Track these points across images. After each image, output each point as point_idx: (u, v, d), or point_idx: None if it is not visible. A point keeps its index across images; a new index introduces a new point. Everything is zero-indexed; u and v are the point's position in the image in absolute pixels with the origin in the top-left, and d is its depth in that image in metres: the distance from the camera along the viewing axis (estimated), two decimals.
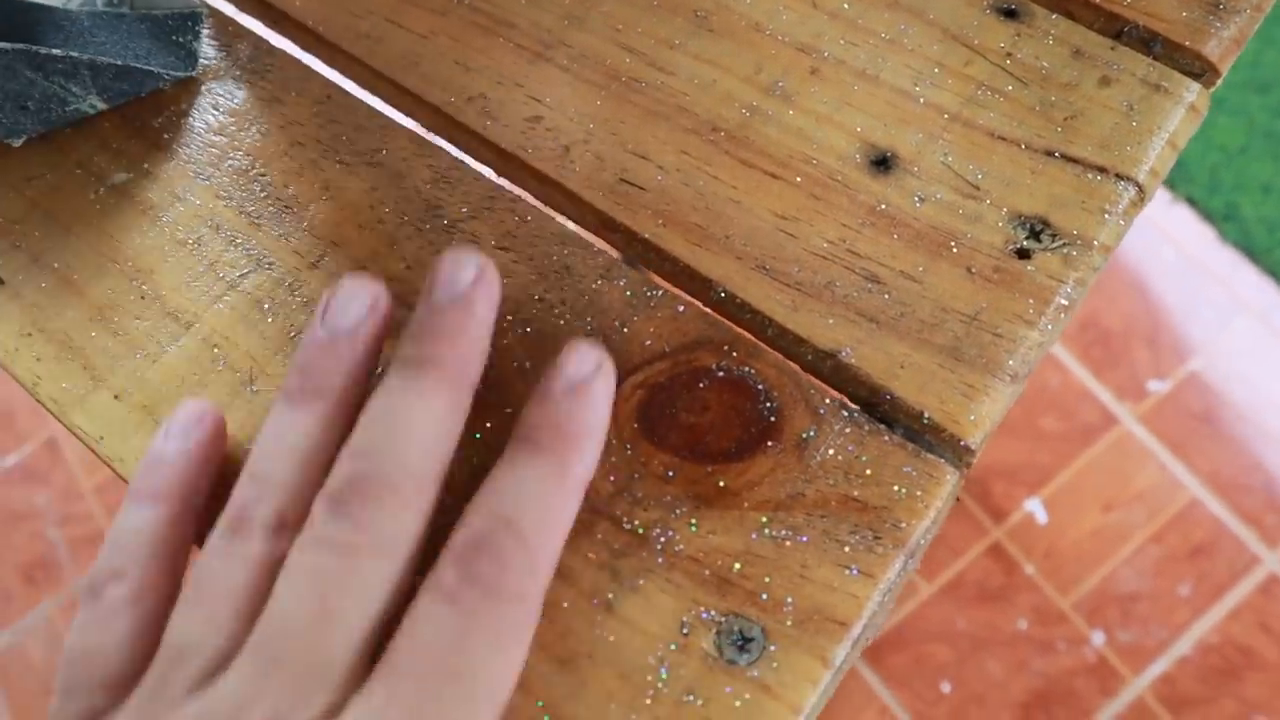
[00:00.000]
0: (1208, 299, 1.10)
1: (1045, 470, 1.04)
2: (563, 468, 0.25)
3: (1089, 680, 0.97)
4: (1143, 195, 0.30)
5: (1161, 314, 1.10)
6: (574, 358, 0.25)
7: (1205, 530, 1.01)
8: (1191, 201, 1.14)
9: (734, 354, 0.28)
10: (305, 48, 0.35)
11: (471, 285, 0.26)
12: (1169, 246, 1.13)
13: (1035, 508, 1.03)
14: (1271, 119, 1.16)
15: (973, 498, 1.03)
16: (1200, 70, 0.31)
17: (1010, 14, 0.32)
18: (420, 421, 0.24)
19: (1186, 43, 0.31)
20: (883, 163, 0.30)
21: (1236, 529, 1.01)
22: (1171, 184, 1.15)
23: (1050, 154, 0.30)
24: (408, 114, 0.33)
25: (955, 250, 0.29)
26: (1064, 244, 0.29)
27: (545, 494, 0.24)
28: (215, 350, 0.30)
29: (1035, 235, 0.29)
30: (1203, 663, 0.97)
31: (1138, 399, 1.07)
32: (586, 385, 0.25)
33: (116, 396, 0.30)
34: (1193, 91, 0.30)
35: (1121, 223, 0.29)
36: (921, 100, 0.31)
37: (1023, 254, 0.29)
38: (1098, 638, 0.98)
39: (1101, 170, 0.29)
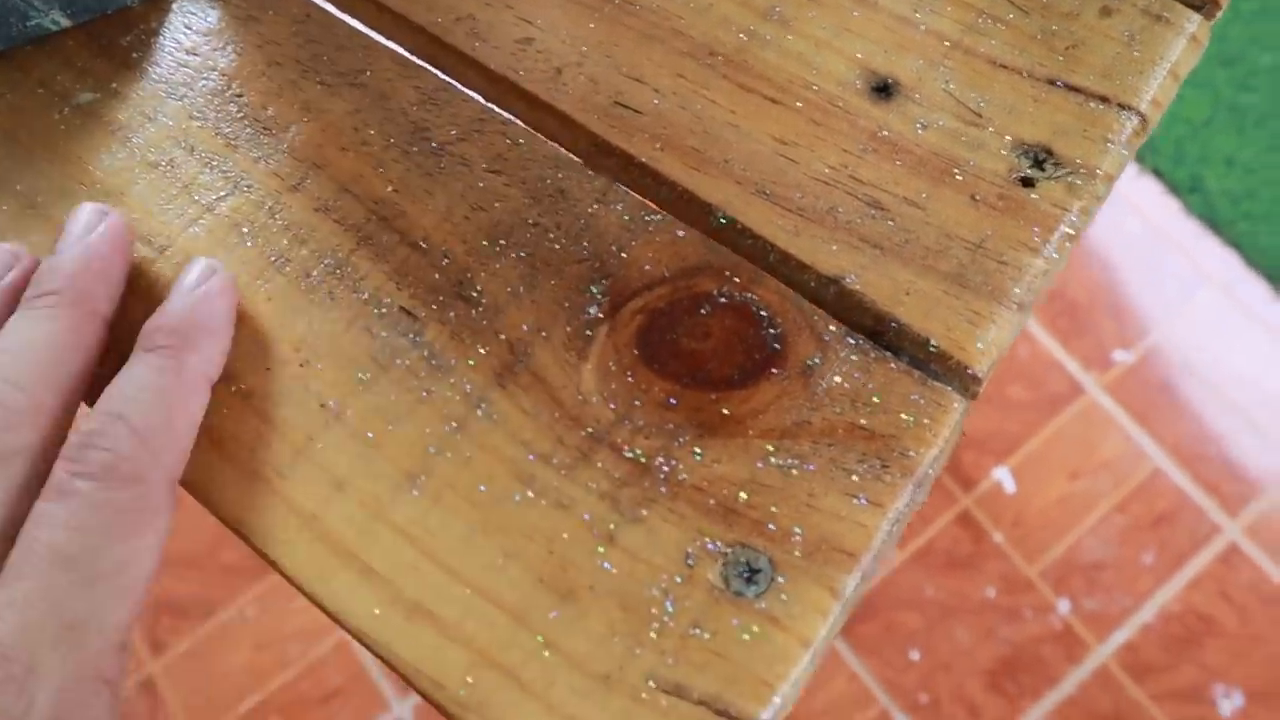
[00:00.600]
0: (1171, 270, 1.12)
1: (1013, 439, 1.05)
2: (177, 362, 0.25)
3: (1055, 648, 0.98)
4: (1145, 125, 0.29)
5: (1126, 285, 1.11)
6: (187, 269, 0.27)
7: (1168, 500, 1.03)
8: (1157, 173, 1.15)
9: (735, 280, 0.27)
10: None
11: (90, 231, 0.27)
12: (1134, 218, 1.14)
13: (1003, 476, 1.04)
14: (1236, 92, 1.18)
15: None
16: (1200, 2, 0.31)
17: None
18: (32, 343, 0.25)
19: None
20: (884, 89, 0.29)
21: (1198, 498, 1.03)
22: (1139, 156, 1.16)
23: (1052, 83, 0.29)
24: (389, 36, 0.32)
25: (958, 177, 0.28)
26: (1068, 172, 0.28)
27: (158, 387, 0.25)
28: None
29: (1039, 164, 0.28)
30: (1165, 630, 0.99)
31: (1103, 369, 1.08)
32: (198, 287, 0.27)
33: None
34: (1193, 22, 0.30)
35: (1124, 152, 0.29)
36: (922, 27, 0.30)
37: (1026, 182, 0.28)
38: (1063, 605, 0.99)
39: (1104, 99, 0.29)
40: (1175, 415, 1.06)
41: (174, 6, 0.32)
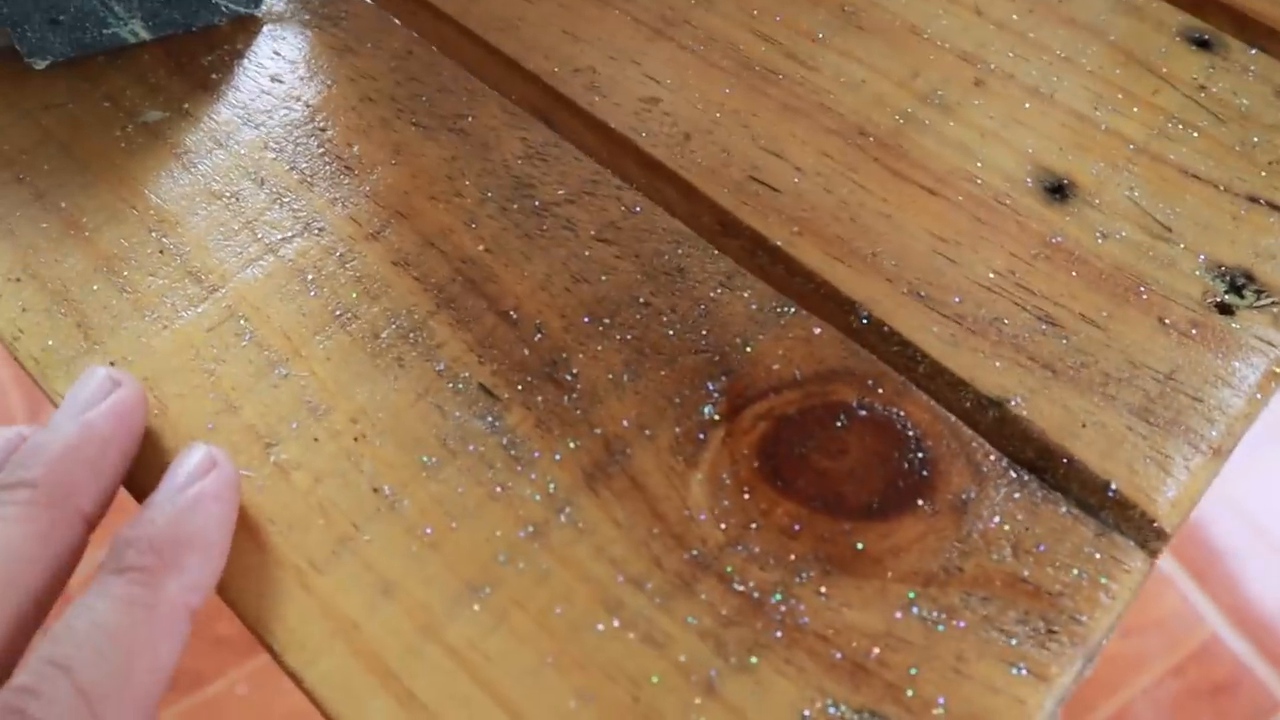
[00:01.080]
0: None
1: None
2: (150, 591, 0.20)
3: None
4: None
5: None
6: (181, 459, 0.22)
7: (1226, 668, 0.96)
8: None
9: (879, 390, 0.23)
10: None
11: (93, 404, 0.22)
12: None
13: None
14: None
15: None
16: None
17: (1203, 44, 0.28)
18: None
19: None
20: (1059, 190, 0.26)
21: (1259, 669, 0.96)
22: None
23: (1254, 199, 0.25)
24: (497, 84, 0.29)
25: (1144, 297, 0.24)
26: (1273, 301, 0.24)
27: (119, 629, 0.19)
28: (241, 322, 0.25)
29: (1237, 289, 0.24)
30: None
31: None
32: (189, 486, 0.21)
33: (112, 363, 0.24)
34: None
35: None
36: (1103, 126, 0.27)
37: (1224, 308, 0.24)
38: None
39: None
40: (1236, 578, 1.00)
41: (264, 29, 0.29)
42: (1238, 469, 1.03)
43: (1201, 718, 0.94)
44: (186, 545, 0.21)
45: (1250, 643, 0.97)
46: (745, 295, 0.24)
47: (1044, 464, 0.23)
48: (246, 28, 0.29)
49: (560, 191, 0.26)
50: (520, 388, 0.23)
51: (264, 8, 0.29)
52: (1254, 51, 0.28)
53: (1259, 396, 0.23)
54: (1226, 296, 0.24)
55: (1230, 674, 0.96)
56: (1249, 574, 1.00)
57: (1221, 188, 0.26)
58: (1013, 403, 0.23)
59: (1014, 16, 0.28)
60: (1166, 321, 0.24)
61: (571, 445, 0.23)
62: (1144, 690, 0.95)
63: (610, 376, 0.24)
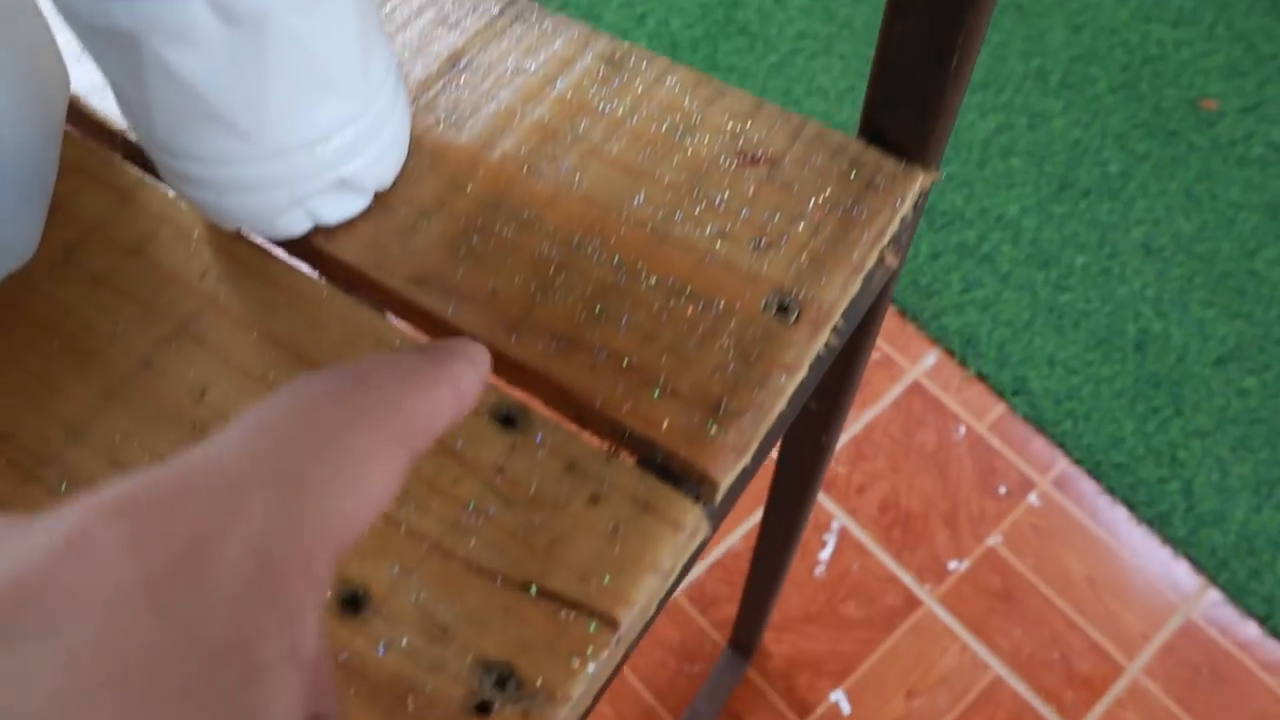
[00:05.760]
0: (1002, 474, 1.13)
1: (849, 659, 1.03)
2: (440, 360, 0.22)
3: None
4: (619, 634, 0.29)
5: (959, 492, 1.12)
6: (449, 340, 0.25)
7: (1007, 710, 1.01)
8: (983, 377, 1.17)
9: None
10: None
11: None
12: (963, 423, 1.16)
13: (840, 698, 1.02)
14: (1054, 293, 1.22)
15: (777, 692, 1.02)
16: (698, 479, 0.31)
17: (509, 421, 0.32)
18: None
19: (681, 453, 0.31)
20: (353, 602, 0.29)
21: (1038, 707, 1.01)
22: (964, 360, 1.18)
23: (525, 588, 0.29)
24: None
25: (411, 708, 0.27)
26: (526, 697, 0.27)
27: (421, 363, 0.22)
28: None
29: (501, 684, 0.28)
30: None
31: (938, 580, 1.07)
32: (464, 343, 0.24)
33: None
34: (686, 511, 0.30)
35: (592, 668, 0.28)
36: (403, 528, 0.30)
37: (483, 708, 0.27)
38: None
39: (576, 606, 0.29)
40: (1011, 623, 1.06)
41: None
42: (1000, 517, 1.08)
43: None
44: (463, 355, 0.23)
45: (1027, 683, 1.03)
46: None
47: None
48: None
49: None
50: None
51: None
52: (553, 425, 0.31)
53: None
54: (490, 692, 0.28)
55: (1010, 715, 1.01)
56: (1023, 616, 1.06)
57: (499, 579, 0.29)
58: None
59: None
60: None
61: None
62: None
63: None
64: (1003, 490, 1.12)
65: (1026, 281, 1.23)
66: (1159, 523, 1.10)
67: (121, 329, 0.34)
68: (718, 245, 0.34)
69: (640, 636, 0.30)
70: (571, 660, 0.28)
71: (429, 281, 0.34)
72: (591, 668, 0.28)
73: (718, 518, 0.31)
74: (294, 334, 0.33)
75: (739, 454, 0.31)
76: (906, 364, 1.20)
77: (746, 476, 0.32)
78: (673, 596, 1.03)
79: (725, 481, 0.31)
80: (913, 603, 1.06)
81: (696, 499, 0.30)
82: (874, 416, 1.17)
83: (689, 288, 0.34)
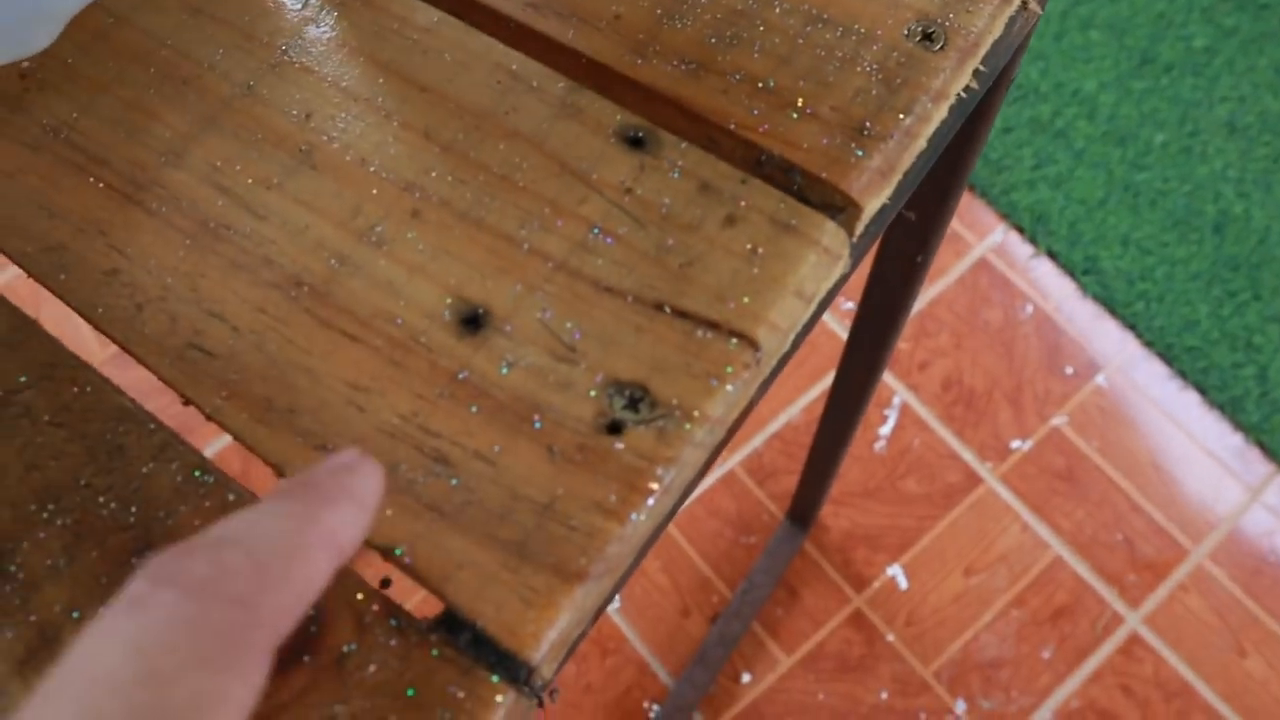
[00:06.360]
0: (1069, 354, 1.10)
1: (907, 534, 1.02)
2: (311, 515, 0.20)
3: None
4: (759, 355, 0.27)
5: (1023, 371, 1.09)
6: (333, 456, 0.22)
7: (1067, 591, 1.00)
8: (1053, 255, 1.13)
9: None
10: None
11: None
12: (1030, 302, 1.12)
13: (897, 573, 1.01)
14: (1130, 171, 1.17)
15: (833, 565, 1.01)
16: (840, 206, 0.29)
17: (636, 142, 0.29)
18: None
19: (824, 174, 0.28)
20: (474, 321, 0.27)
21: (1099, 588, 1.00)
22: (1033, 238, 1.14)
23: (659, 308, 0.27)
24: None
25: (539, 425, 0.26)
26: (660, 416, 0.26)
27: (285, 528, 0.20)
28: None
29: (634, 405, 0.26)
30: None
31: (1000, 458, 1.05)
32: (348, 462, 0.22)
33: None
34: (826, 232, 0.28)
35: (731, 388, 0.26)
36: (526, 246, 0.28)
37: (614, 428, 0.26)
38: (960, 706, 0.96)
39: (714, 326, 0.27)
40: (1074, 504, 1.04)
41: None
42: (1066, 397, 1.06)
43: (1045, 643, 0.98)
44: (343, 492, 0.21)
45: (1088, 564, 1.01)
46: (173, 467, 0.26)
47: (431, 610, 0.24)
48: None
49: (22, 378, 0.28)
50: None
51: None
52: (685, 145, 0.29)
53: (639, 518, 0.25)
54: (621, 413, 0.26)
55: (1070, 596, 1.00)
56: (1086, 498, 1.04)
57: (630, 299, 0.27)
58: (399, 552, 0.25)
59: (459, 136, 0.30)
60: (554, 449, 0.25)
61: (9, 635, 0.24)
62: (988, 625, 0.99)
63: (49, 563, 0.25)
64: (1069, 370, 1.09)
65: (1102, 159, 1.18)
66: (1231, 408, 1.07)
67: (221, 57, 0.32)
68: None
69: (777, 371, 0.28)
70: (710, 380, 0.26)
71: (547, 4, 0.31)
72: (731, 388, 0.26)
73: (858, 253, 0.29)
74: (404, 61, 0.31)
75: (885, 178, 0.28)
76: (973, 239, 1.16)
77: (884, 216, 0.30)
78: (733, 462, 1.02)
79: (870, 207, 0.28)
80: (973, 480, 1.05)
81: (838, 213, 0.28)
82: (938, 292, 1.14)
83: (826, 14, 0.31)
